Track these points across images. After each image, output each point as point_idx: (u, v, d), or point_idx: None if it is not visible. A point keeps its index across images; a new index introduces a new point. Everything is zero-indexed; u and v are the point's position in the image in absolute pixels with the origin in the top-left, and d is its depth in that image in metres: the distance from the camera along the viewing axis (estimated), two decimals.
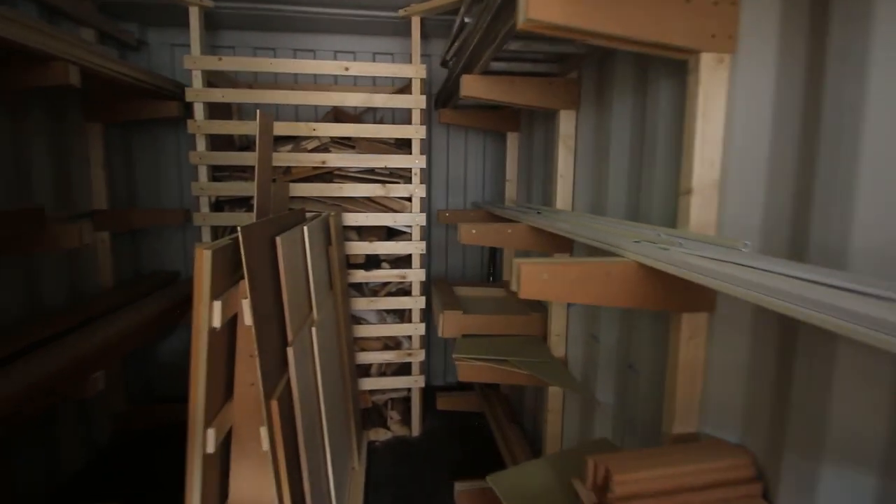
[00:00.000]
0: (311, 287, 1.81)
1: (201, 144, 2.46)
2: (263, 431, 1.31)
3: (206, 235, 2.51)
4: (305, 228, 1.78)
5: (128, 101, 2.59)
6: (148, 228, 3.10)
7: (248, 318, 1.25)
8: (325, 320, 1.94)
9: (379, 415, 2.85)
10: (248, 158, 2.49)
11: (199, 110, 2.43)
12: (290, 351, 1.44)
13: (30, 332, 1.87)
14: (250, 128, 2.46)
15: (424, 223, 2.63)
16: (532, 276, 1.04)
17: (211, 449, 1.29)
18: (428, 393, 2.80)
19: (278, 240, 1.47)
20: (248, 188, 2.51)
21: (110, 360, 1.91)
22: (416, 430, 2.81)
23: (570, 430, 2.05)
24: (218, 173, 2.60)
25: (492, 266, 3.32)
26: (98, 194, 2.65)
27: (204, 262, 1.18)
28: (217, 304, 1.23)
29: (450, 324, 2.19)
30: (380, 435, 2.76)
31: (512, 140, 2.92)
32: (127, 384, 2.78)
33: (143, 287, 2.70)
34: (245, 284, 1.23)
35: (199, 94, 2.41)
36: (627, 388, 1.53)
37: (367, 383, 2.71)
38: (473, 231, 1.91)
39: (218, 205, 2.59)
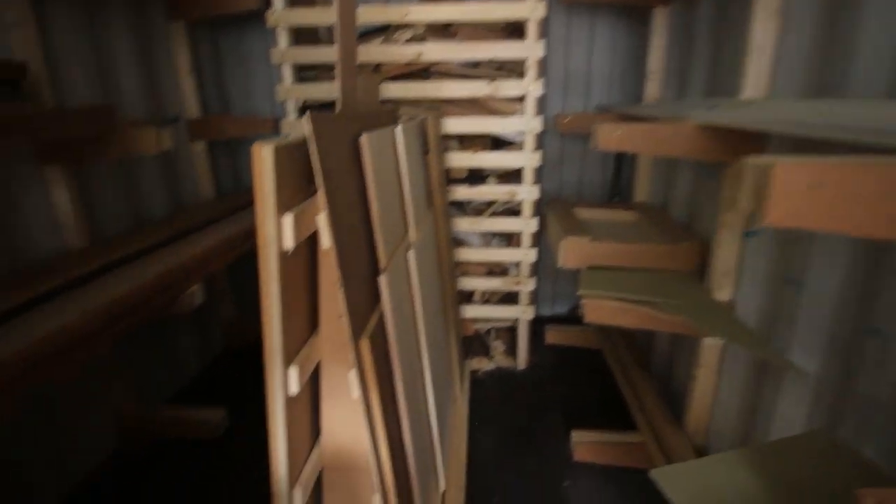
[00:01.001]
0: (406, 202, 1.48)
1: (283, 40, 2.15)
2: (352, 376, 1.06)
3: None
4: (399, 129, 1.43)
5: None
6: (243, 139, 2.98)
7: (325, 240, 0.96)
8: (424, 242, 1.63)
9: (481, 344, 2.61)
10: (335, 53, 2.13)
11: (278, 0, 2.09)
12: (382, 280, 1.15)
13: (133, 242, 1.82)
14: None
15: (539, 129, 2.14)
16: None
17: (294, 390, 1.08)
18: (535, 324, 2.47)
19: (364, 139, 1.13)
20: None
21: (210, 270, 1.82)
22: (521, 362, 2.54)
23: (727, 396, 1.62)
24: (305, 73, 2.31)
25: (617, 184, 2.76)
26: (189, 101, 2.50)
27: (264, 163, 0.88)
28: (288, 219, 0.94)
29: (572, 252, 1.78)
30: (483, 365, 2.54)
31: (660, 18, 2.22)
32: (234, 295, 2.81)
33: (242, 199, 2.60)
34: (321, 195, 0.92)
35: None
36: (862, 361, 1.04)
37: (470, 311, 2.45)
38: (617, 133, 1.41)
39: (305, 110, 2.32)
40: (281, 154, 0.90)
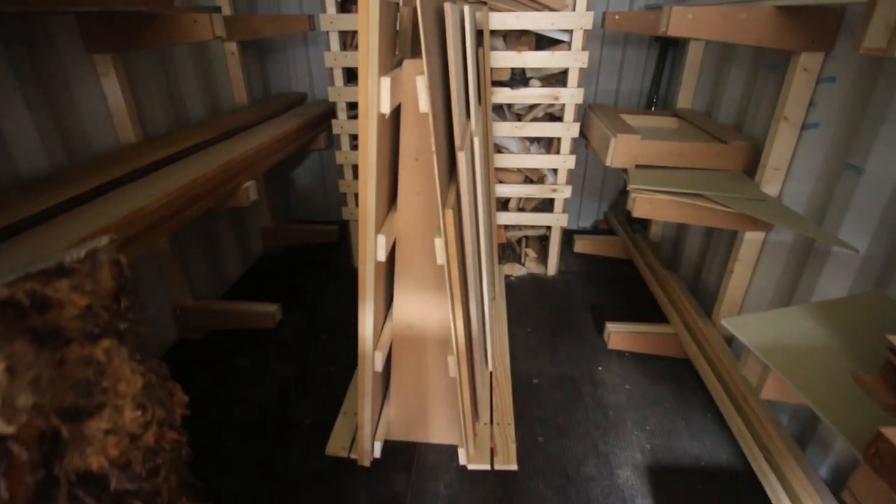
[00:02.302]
0: (468, 89, 1.48)
1: None
2: (439, 243, 1.13)
3: (335, 44, 2.22)
4: (467, 8, 1.40)
5: None
6: (273, 45, 2.89)
7: (423, 103, 0.99)
8: (480, 134, 1.65)
9: (513, 251, 2.70)
10: None
11: None
12: (460, 155, 1.19)
13: (182, 140, 1.84)
14: None
15: (590, 26, 2.07)
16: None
17: (382, 257, 1.16)
18: (563, 236, 2.55)
19: (447, 6, 1.12)
20: None
21: (257, 170, 1.85)
22: (552, 269, 2.64)
23: (761, 287, 1.71)
24: None
25: (657, 90, 2.71)
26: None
27: (371, 17, 0.89)
28: (386, 81, 0.96)
29: (623, 150, 1.80)
30: (515, 270, 2.65)
31: None
32: (271, 205, 2.86)
33: (275, 105, 2.58)
34: (423, 53, 0.93)
35: None
36: None
37: (505, 218, 2.51)
38: (690, 16, 1.39)
39: (345, 5, 2.23)
40: (385, 9, 0.91)
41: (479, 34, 1.86)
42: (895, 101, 1.20)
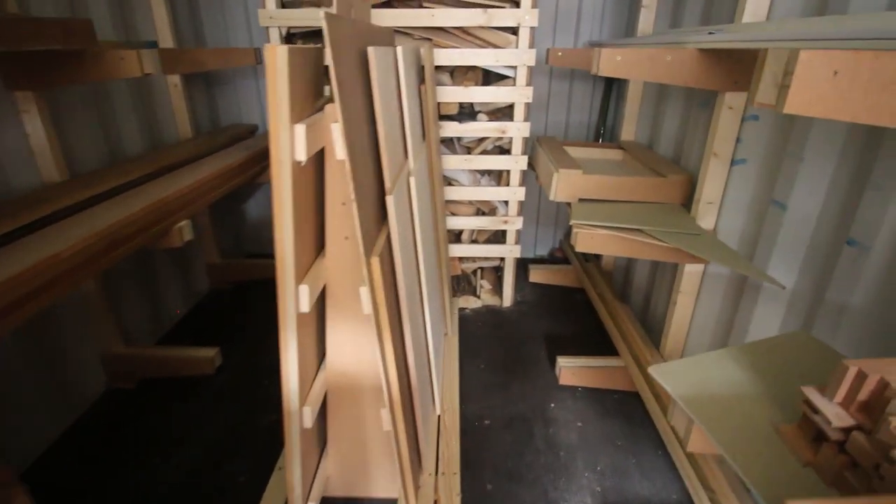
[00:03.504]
0: (406, 127, 1.46)
1: None
2: (364, 292, 1.08)
3: None
4: (399, 48, 1.39)
5: None
6: (221, 77, 2.83)
7: (340, 150, 0.95)
8: (421, 173, 1.63)
9: (468, 283, 2.67)
10: None
11: None
12: (389, 200, 1.15)
13: (114, 177, 1.75)
14: None
15: (533, 63, 2.11)
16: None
17: (305, 308, 1.10)
18: (518, 264, 2.53)
19: (371, 51, 1.10)
20: None
21: (195, 208, 1.77)
22: (507, 300, 2.62)
23: (703, 318, 1.72)
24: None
25: (603, 123, 2.78)
26: (162, 32, 2.34)
27: (278, 65, 0.85)
28: (300, 129, 0.93)
29: (565, 185, 1.81)
30: (470, 303, 2.61)
31: None
32: (218, 240, 2.76)
33: (221, 139, 2.50)
34: (336, 102, 0.90)
35: None
36: (840, 271, 1.12)
37: (458, 250, 2.48)
38: (618, 58, 1.41)
39: (289, 39, 2.21)
40: (295, 57, 0.87)
41: (423, 69, 1.86)
42: (811, 141, 1.23)
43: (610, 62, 1.42)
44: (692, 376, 0.90)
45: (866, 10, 1.05)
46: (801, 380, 0.81)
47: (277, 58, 0.85)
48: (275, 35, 2.14)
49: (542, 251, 3.27)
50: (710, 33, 1.46)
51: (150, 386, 1.97)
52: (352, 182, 0.96)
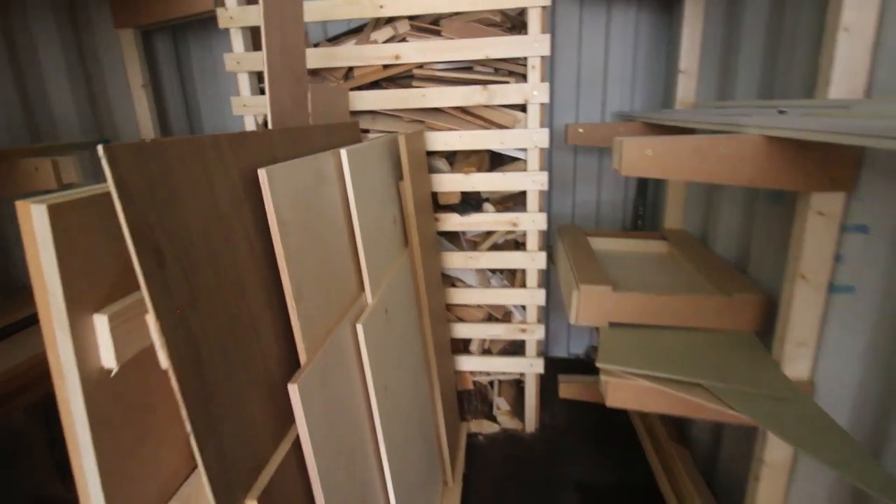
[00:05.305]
0: (360, 253, 1.09)
1: (238, 43, 1.81)
2: None
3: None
4: (344, 153, 1.04)
5: None
6: None
7: (162, 359, 0.57)
8: (390, 298, 1.24)
9: (483, 399, 2.20)
10: (316, 57, 1.77)
11: None
12: (293, 389, 0.75)
13: None
14: (319, 12, 1.73)
15: (546, 144, 1.74)
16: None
17: None
18: (547, 369, 2.03)
19: (264, 175, 0.74)
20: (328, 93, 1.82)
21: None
22: (530, 424, 2.12)
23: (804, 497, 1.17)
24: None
25: (641, 207, 2.33)
26: (143, 122, 2.18)
27: (37, 233, 0.50)
28: (102, 320, 0.56)
29: (589, 306, 1.36)
30: (483, 427, 2.13)
31: (694, 2, 1.80)
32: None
33: None
34: (141, 284, 0.54)
35: None
36: None
37: (466, 363, 2.04)
38: (649, 152, 1.00)
39: (266, 127, 1.96)
40: (69, 213, 0.52)
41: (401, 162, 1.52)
42: None
43: (637, 158, 1.01)
44: None
45: None
46: None
47: (34, 223, 0.50)
48: (250, 122, 1.90)
49: (578, 348, 2.75)
50: (780, 112, 1.03)
51: None
52: (183, 407, 0.58)
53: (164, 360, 0.56)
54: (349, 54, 1.75)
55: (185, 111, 2.53)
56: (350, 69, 1.83)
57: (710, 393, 1.08)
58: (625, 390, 1.18)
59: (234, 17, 1.76)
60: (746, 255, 1.50)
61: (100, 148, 0.50)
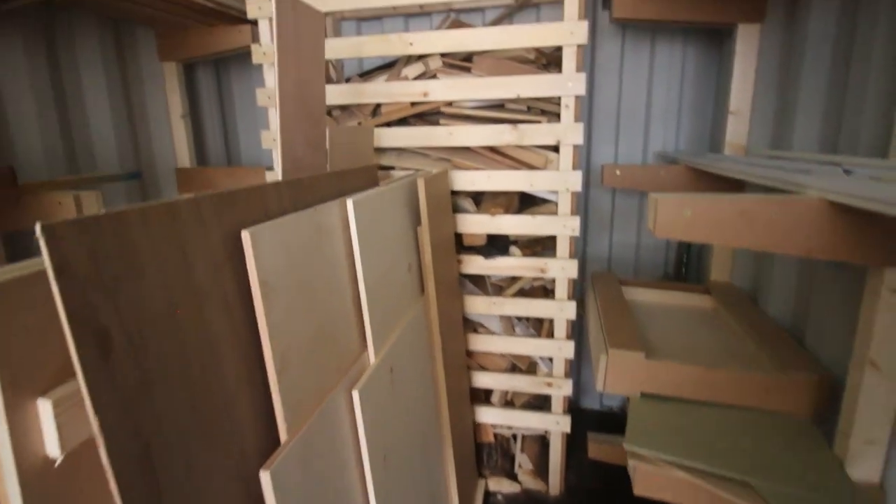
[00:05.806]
0: (363, 309, 1.02)
1: (270, 78, 1.82)
2: None
3: None
4: (350, 203, 0.98)
5: (191, 33, 2.07)
6: None
7: (103, 454, 0.50)
8: (398, 353, 1.15)
9: (504, 454, 2.05)
10: (344, 93, 1.76)
11: (265, 30, 1.77)
12: (265, 477, 0.67)
13: None
14: (349, 49, 1.72)
15: (579, 188, 1.63)
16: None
17: None
18: (575, 424, 1.86)
19: (247, 237, 0.68)
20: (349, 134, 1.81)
21: None
22: (555, 486, 1.95)
23: None
24: None
25: (686, 251, 2.16)
26: (180, 152, 2.24)
27: None
28: (46, 406, 0.50)
29: (619, 373, 1.22)
30: (503, 486, 1.97)
31: (747, 38, 1.67)
32: None
33: None
34: (80, 380, 0.47)
35: (262, 7, 1.74)
36: None
37: (487, 414, 1.91)
38: (688, 213, 0.89)
39: None
40: (7, 295, 0.47)
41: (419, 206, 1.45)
42: None
43: (673, 219, 0.89)
44: None
45: None
46: None
47: None
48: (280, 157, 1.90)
49: (612, 401, 2.56)
50: (845, 171, 0.89)
51: None
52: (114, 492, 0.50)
53: (105, 461, 0.50)
54: (377, 91, 1.72)
55: (224, 141, 2.59)
56: (378, 105, 1.80)
57: (759, 497, 0.92)
58: (656, 479, 1.03)
59: (267, 52, 1.78)
60: (803, 321, 1.32)
61: (38, 226, 0.45)
